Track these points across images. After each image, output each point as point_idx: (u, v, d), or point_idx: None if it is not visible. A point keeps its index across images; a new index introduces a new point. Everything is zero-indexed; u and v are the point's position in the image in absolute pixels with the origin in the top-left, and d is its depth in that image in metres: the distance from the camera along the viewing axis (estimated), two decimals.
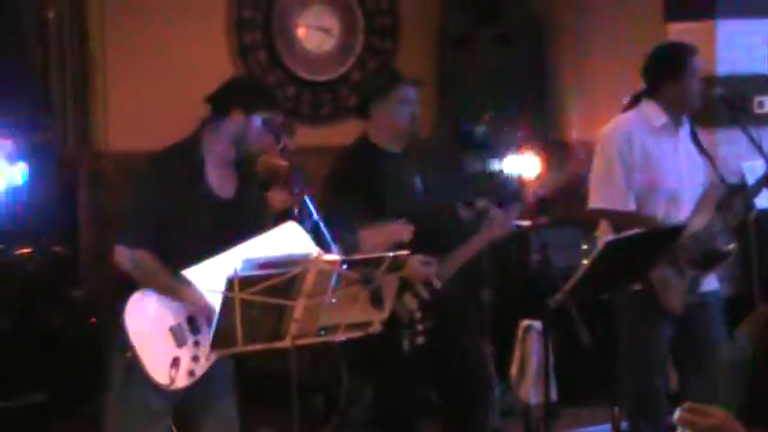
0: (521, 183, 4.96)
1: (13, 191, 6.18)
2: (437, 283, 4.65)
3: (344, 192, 4.58)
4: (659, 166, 4.90)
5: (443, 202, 4.85)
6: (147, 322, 3.97)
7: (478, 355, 5.06)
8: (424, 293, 4.61)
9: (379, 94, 4.74)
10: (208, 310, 3.88)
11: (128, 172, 6.76)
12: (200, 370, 3.99)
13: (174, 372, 3.92)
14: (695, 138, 5.02)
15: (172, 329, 3.97)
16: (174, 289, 3.95)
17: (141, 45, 6.98)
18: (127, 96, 6.96)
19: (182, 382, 3.96)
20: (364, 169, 4.66)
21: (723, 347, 5.04)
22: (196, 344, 3.99)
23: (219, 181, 4.13)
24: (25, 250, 5.99)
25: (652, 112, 4.93)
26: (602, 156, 4.97)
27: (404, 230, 4.47)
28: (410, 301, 4.57)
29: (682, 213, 4.90)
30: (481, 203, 4.88)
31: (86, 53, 6.89)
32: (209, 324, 3.82)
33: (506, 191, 5.09)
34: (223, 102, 4.16)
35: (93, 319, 6.15)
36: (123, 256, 4.04)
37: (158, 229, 4.00)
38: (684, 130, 5.00)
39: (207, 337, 3.90)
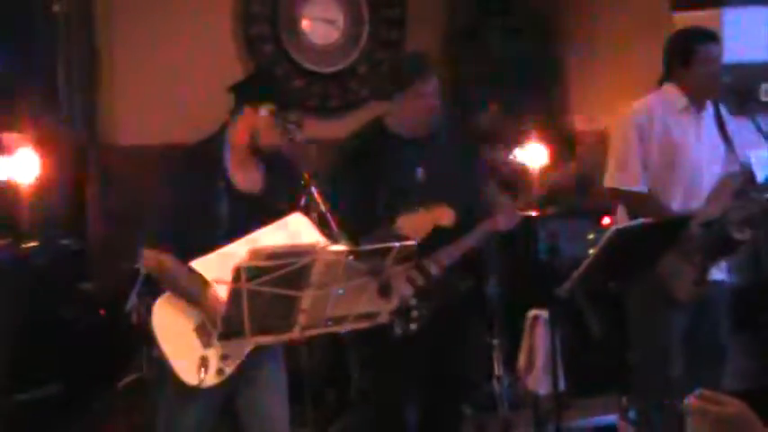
0: (525, 173, 4.95)
1: (21, 184, 6.19)
2: (434, 270, 4.65)
3: (345, 173, 4.60)
4: (679, 149, 4.88)
5: (446, 192, 4.81)
6: (173, 324, 3.98)
7: (473, 350, 5.04)
8: (419, 279, 4.61)
9: (403, 85, 4.73)
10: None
11: (135, 165, 6.81)
12: (229, 369, 3.98)
13: (203, 372, 3.92)
14: (720, 123, 5.00)
15: (197, 330, 3.97)
16: (194, 297, 3.95)
17: (148, 38, 6.99)
18: (134, 90, 6.97)
19: (211, 380, 3.95)
20: (369, 153, 4.68)
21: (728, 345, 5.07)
22: (225, 343, 3.96)
23: (245, 175, 4.12)
24: (32, 244, 6.00)
25: (673, 95, 4.92)
26: (620, 134, 4.96)
27: (445, 213, 4.45)
28: (405, 287, 4.56)
29: (699, 199, 4.89)
30: (488, 193, 4.87)
31: (93, 46, 6.90)
32: None
33: (510, 181, 5.09)
34: (237, 96, 4.15)
35: (103, 311, 6.17)
36: (148, 259, 4.06)
37: (180, 226, 3.98)
38: (708, 115, 4.98)
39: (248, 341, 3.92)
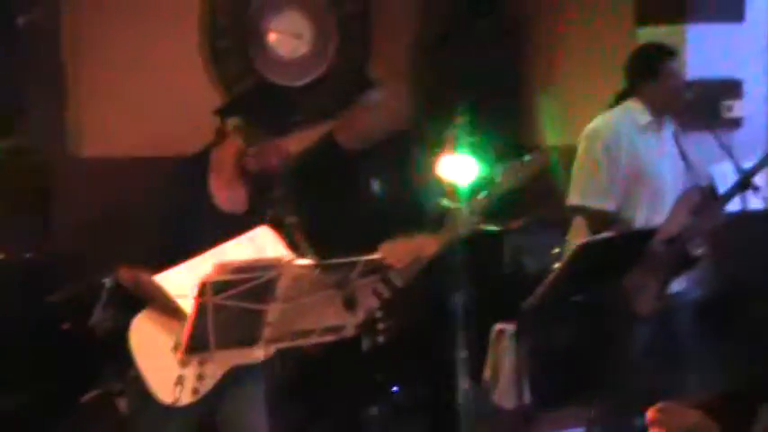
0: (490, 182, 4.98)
1: None
2: (398, 282, 4.66)
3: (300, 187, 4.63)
4: (645, 165, 4.90)
5: (402, 204, 4.86)
6: (152, 341, 3.98)
7: (442, 359, 5.06)
8: (385, 291, 4.62)
9: (356, 97, 4.81)
10: None
11: (101, 177, 6.79)
12: (204, 388, 3.99)
13: (178, 390, 3.90)
14: (677, 140, 5.04)
15: (175, 349, 3.94)
16: (176, 311, 3.91)
17: (114, 51, 6.97)
18: (100, 102, 6.95)
19: (186, 399, 3.95)
20: (322, 168, 4.70)
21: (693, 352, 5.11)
22: (201, 362, 3.97)
23: (229, 195, 4.12)
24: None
25: (637, 111, 4.93)
26: (586, 152, 4.94)
27: (427, 243, 4.48)
28: (371, 300, 4.56)
29: (663, 214, 4.91)
30: (445, 203, 4.90)
31: (59, 58, 6.87)
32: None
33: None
34: (222, 118, 4.14)
35: (67, 325, 6.13)
36: (124, 277, 4.04)
37: (160, 242, 3.97)
38: (668, 131, 5.02)
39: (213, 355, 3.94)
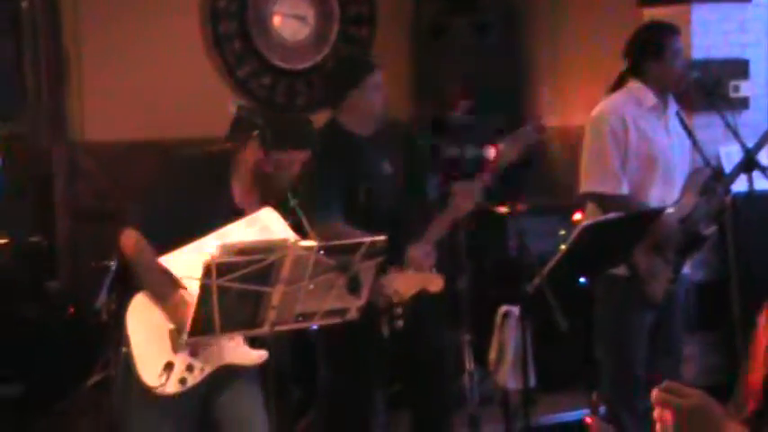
0: (482, 160, 4.94)
1: None
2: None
3: (318, 175, 4.61)
4: (654, 146, 4.86)
5: (412, 185, 4.88)
6: (149, 321, 3.91)
7: (445, 343, 5.06)
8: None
9: (353, 83, 4.77)
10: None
11: (103, 161, 6.78)
12: (192, 380, 3.92)
13: (164, 375, 3.85)
14: (681, 119, 5.00)
15: (172, 333, 3.90)
16: (162, 295, 3.88)
17: (115, 34, 6.95)
18: (102, 86, 6.93)
19: (171, 388, 3.88)
20: (336, 153, 4.69)
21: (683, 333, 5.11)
22: (193, 353, 3.92)
23: (244, 193, 4.07)
24: (1, 241, 5.96)
25: (642, 93, 4.88)
26: (594, 138, 4.89)
27: (435, 280, 4.47)
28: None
29: (675, 195, 4.89)
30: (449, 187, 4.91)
31: (60, 43, 6.85)
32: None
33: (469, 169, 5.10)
34: (242, 129, 4.12)
35: (72, 309, 6.12)
36: (131, 237, 3.95)
37: (172, 228, 3.88)
38: (671, 111, 4.98)
39: (204, 347, 3.92)
